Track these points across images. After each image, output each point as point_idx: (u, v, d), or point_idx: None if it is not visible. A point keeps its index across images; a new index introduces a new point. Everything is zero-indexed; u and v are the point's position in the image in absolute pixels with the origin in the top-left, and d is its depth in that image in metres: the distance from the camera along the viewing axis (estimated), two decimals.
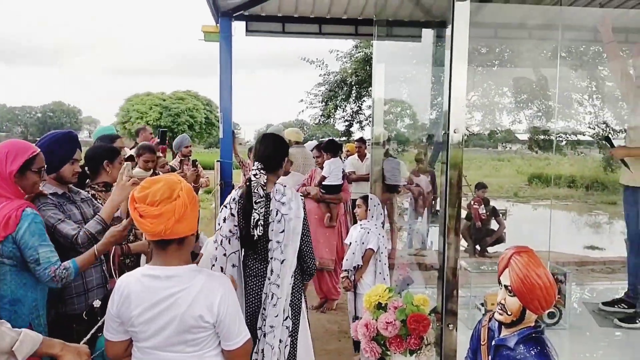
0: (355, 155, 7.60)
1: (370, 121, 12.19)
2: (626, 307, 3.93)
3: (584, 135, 13.04)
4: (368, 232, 3.71)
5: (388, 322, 2.82)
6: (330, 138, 6.84)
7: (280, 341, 2.49)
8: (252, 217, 2.46)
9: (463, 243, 7.99)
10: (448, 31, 2.65)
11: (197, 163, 5.89)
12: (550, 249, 8.81)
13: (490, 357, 2.09)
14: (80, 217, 2.57)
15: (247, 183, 2.57)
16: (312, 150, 6.44)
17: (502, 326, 2.06)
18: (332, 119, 14.33)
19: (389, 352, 2.91)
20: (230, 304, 1.69)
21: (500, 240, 8.29)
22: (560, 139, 14.01)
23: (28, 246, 2.14)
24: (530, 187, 24.41)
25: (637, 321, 3.69)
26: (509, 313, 1.98)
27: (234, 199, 2.62)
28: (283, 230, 2.49)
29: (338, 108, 14.14)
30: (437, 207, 7.74)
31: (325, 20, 6.61)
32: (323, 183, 5.38)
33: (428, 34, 5.90)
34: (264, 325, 2.47)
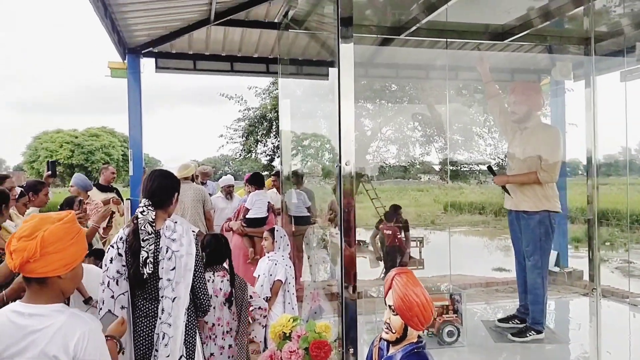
0: (274, 189, 7.70)
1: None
2: (518, 322, 4.27)
3: (482, 165, 14.08)
4: (275, 264, 3.77)
5: (291, 351, 2.87)
6: (255, 171, 6.84)
7: None
8: (141, 255, 2.39)
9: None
10: (335, 71, 2.83)
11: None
12: (460, 273, 9.33)
13: None
14: None
15: (135, 221, 2.49)
16: (225, 187, 6.42)
17: (390, 344, 2.19)
18: (253, 154, 14.41)
19: None
20: (90, 345, 1.66)
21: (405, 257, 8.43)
22: (466, 169, 15.04)
23: None
24: (445, 215, 25.69)
25: (528, 335, 4.01)
26: (394, 331, 2.11)
27: (121, 238, 2.52)
28: (174, 268, 2.42)
29: (259, 143, 14.28)
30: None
31: (237, 58, 6.78)
32: (247, 216, 5.36)
33: (333, 72, 6.22)
34: None
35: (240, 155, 14.57)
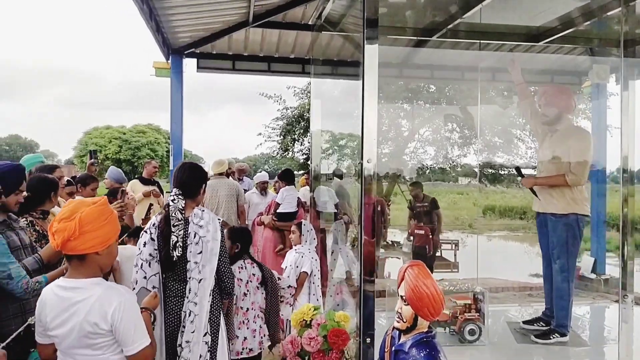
0: (307, 186, 7.87)
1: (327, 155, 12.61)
2: (543, 325, 4.25)
3: (524, 169, 13.73)
4: (302, 256, 3.93)
5: (311, 337, 3.03)
6: (287, 167, 7.04)
7: (201, 356, 2.61)
8: (171, 240, 2.59)
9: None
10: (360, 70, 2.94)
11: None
12: (493, 276, 9.21)
13: None
14: (19, 243, 2.70)
15: (166, 208, 2.69)
16: (260, 183, 6.64)
17: (401, 333, 2.29)
18: (290, 152, 14.66)
19: None
20: (126, 314, 1.86)
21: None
22: (504, 172, 14.76)
23: None
24: (484, 219, 25.22)
25: (552, 337, 3.99)
26: (404, 320, 2.21)
27: (153, 224, 2.73)
28: (201, 252, 2.61)
29: (296, 142, 14.51)
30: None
31: (274, 59, 7.00)
32: (277, 211, 5.56)
33: None
34: (182, 342, 2.58)
35: (277, 153, 14.85)
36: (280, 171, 6.21)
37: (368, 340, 2.96)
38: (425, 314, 2.19)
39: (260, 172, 7.13)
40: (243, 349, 3.20)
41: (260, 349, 3.28)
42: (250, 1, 5.33)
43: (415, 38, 5.75)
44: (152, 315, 2.19)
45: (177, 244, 2.58)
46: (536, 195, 4.15)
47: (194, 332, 2.56)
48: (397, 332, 2.32)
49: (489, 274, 9.44)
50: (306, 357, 3.07)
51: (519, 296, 7.44)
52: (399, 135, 15.26)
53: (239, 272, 3.27)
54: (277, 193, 6.02)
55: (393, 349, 2.31)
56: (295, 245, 4.07)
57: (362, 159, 2.96)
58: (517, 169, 4.35)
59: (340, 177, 7.37)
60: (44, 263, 2.57)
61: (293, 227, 4.14)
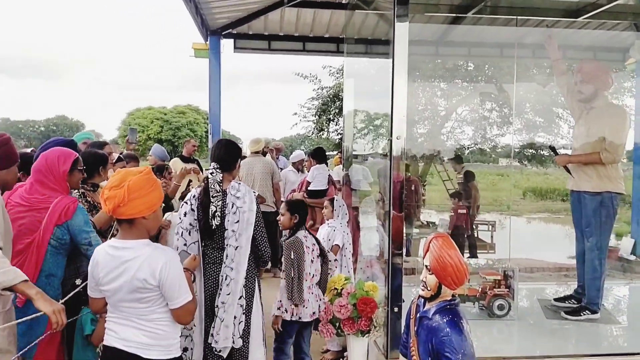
0: (340, 165, 8.00)
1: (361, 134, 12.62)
2: (575, 302, 4.26)
3: (565, 149, 13.33)
4: (334, 230, 4.07)
5: (341, 305, 3.18)
6: (318, 146, 7.19)
7: (235, 317, 2.82)
8: (210, 209, 2.78)
9: None
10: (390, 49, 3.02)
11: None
12: (530, 257, 9.13)
13: (415, 327, 2.44)
14: None
15: (205, 181, 2.91)
16: (297, 162, 6.81)
17: (426, 301, 2.41)
18: (325, 132, 14.75)
19: (342, 333, 3.26)
20: (171, 272, 2.04)
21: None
22: (545, 152, 14.38)
23: (82, 231, 2.61)
24: (524, 201, 24.71)
25: (582, 314, 4.00)
26: (429, 289, 2.32)
27: (193, 196, 2.95)
28: (238, 221, 2.81)
29: (331, 122, 14.57)
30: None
31: (309, 39, 7.08)
32: (308, 188, 5.72)
33: None
34: (219, 302, 2.79)
35: (313, 133, 14.97)
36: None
37: (396, 309, 3.11)
38: (449, 283, 2.29)
39: (297, 151, 7.31)
40: (313, 312, 3.35)
41: (319, 312, 3.39)
42: None
43: (452, 15, 5.71)
44: (192, 275, 2.39)
45: (216, 214, 2.78)
46: (570, 174, 4.13)
47: (229, 294, 2.78)
48: (422, 300, 2.43)
49: (525, 255, 9.39)
50: (337, 324, 3.24)
51: (555, 276, 7.40)
52: (436, 114, 15.07)
53: (305, 240, 3.39)
54: (308, 171, 6.16)
55: (418, 315, 2.43)
56: (328, 220, 4.21)
57: (391, 135, 3.06)
58: (552, 147, 4.33)
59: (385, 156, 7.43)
60: (97, 229, 2.82)
61: (326, 203, 4.29)
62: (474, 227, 10.12)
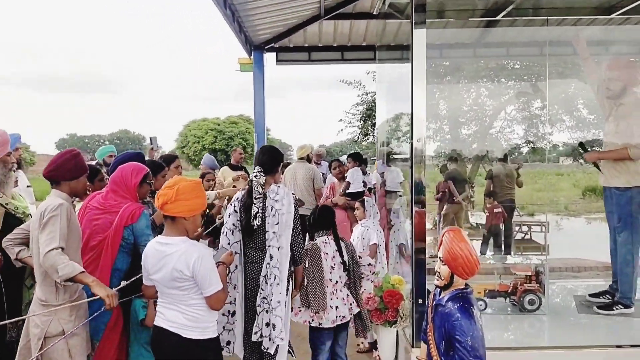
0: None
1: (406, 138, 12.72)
2: (609, 297, 4.27)
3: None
4: (367, 229, 4.31)
5: (369, 297, 3.44)
6: (356, 151, 7.42)
7: (280, 317, 2.95)
8: (252, 210, 2.99)
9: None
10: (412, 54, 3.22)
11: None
12: (581, 257, 8.92)
13: (432, 314, 2.66)
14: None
15: (249, 183, 3.13)
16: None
17: (441, 290, 2.63)
18: (370, 136, 14.95)
19: (371, 323, 3.51)
20: (203, 265, 2.34)
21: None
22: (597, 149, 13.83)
23: (144, 234, 2.99)
24: (584, 201, 23.73)
25: (614, 309, 4.03)
26: (442, 278, 2.54)
27: (237, 198, 3.17)
28: (277, 223, 2.98)
29: (375, 126, 14.77)
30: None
31: (347, 48, 7.38)
32: (347, 191, 5.96)
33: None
34: (269, 301, 2.96)
35: (358, 138, 15.20)
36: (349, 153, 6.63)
37: (420, 301, 3.32)
38: (460, 273, 2.48)
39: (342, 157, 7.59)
40: (337, 317, 3.33)
41: (351, 314, 3.41)
42: None
43: (484, 19, 5.83)
44: (227, 269, 2.71)
45: (257, 214, 3.01)
46: (599, 170, 4.18)
47: (281, 293, 2.99)
48: (438, 289, 2.65)
49: (577, 255, 9.20)
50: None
51: (601, 275, 7.23)
52: (483, 114, 14.89)
53: (324, 246, 3.39)
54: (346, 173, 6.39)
55: (434, 303, 2.65)
56: (360, 220, 4.46)
57: (412, 138, 3.28)
58: (582, 144, 4.39)
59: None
60: (157, 225, 3.24)
61: (357, 204, 4.53)
62: (529, 228, 10.09)
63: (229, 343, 3.17)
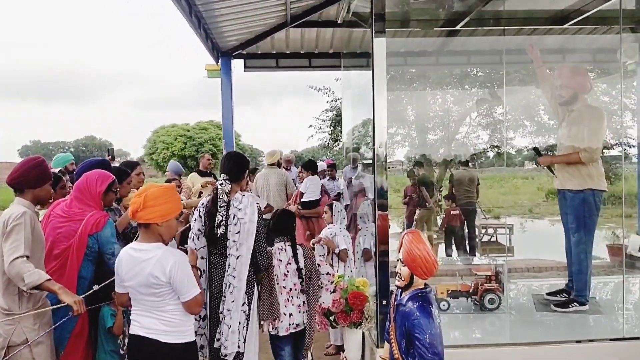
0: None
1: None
2: (566, 295, 4.46)
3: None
4: (334, 235, 4.38)
5: (335, 300, 3.51)
6: (310, 159, 7.48)
7: (240, 323, 3.00)
8: (216, 219, 3.01)
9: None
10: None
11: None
12: (542, 258, 9.22)
13: (394, 314, 2.74)
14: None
15: (215, 191, 3.13)
16: (321, 172, 7.12)
17: (402, 291, 2.71)
18: (340, 142, 15.09)
19: (337, 325, 3.58)
20: (179, 271, 2.35)
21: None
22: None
23: (109, 242, 2.98)
24: (547, 203, 24.47)
25: (570, 306, 4.21)
26: (402, 279, 2.63)
27: (202, 204, 3.19)
28: (239, 232, 2.99)
29: (342, 133, 14.94)
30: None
31: (314, 55, 7.47)
32: (302, 200, 6.02)
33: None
34: (224, 310, 3.01)
35: (329, 144, 15.33)
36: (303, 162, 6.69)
37: (384, 302, 3.41)
38: (420, 273, 2.58)
39: (321, 161, 7.63)
40: (290, 324, 3.29)
41: (305, 323, 3.36)
42: (286, 4, 5.82)
43: (444, 29, 6.02)
44: (199, 270, 2.72)
45: (221, 223, 3.03)
46: (553, 174, 4.38)
47: (233, 301, 3.01)
48: (399, 290, 2.74)
49: (539, 256, 9.52)
50: (332, 317, 3.56)
51: (562, 275, 7.52)
52: (450, 120, 15.26)
53: (279, 253, 3.33)
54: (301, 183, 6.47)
55: (395, 303, 2.74)
56: (328, 225, 4.54)
57: (374, 144, 3.38)
58: (536, 149, 4.59)
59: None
60: (119, 232, 3.22)
61: (325, 208, 4.61)
62: (494, 230, 10.40)
63: (202, 347, 3.18)
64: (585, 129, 4.14)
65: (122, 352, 2.96)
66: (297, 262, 3.35)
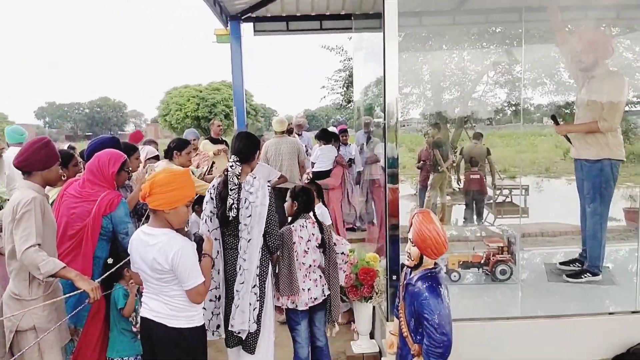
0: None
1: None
2: (579, 265, 4.45)
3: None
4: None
5: (345, 275, 3.53)
6: (324, 128, 7.33)
7: (250, 304, 2.99)
8: (228, 202, 2.97)
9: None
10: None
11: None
12: (559, 221, 9.14)
13: (403, 293, 2.75)
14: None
15: (225, 173, 3.06)
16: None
17: (411, 270, 2.71)
18: (352, 103, 14.87)
19: (347, 299, 3.62)
20: (182, 259, 2.33)
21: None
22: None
23: (123, 222, 3.04)
24: (564, 162, 24.11)
25: (583, 277, 4.20)
26: (412, 259, 2.62)
27: (213, 185, 3.14)
28: (250, 215, 2.98)
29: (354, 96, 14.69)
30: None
31: (325, 17, 7.21)
32: (313, 170, 5.94)
33: None
34: (234, 290, 3.02)
35: (341, 105, 15.11)
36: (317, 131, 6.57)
37: (394, 277, 3.42)
38: (429, 253, 2.57)
39: (332, 126, 7.47)
40: (309, 299, 3.31)
41: (324, 296, 3.36)
42: None
43: None
44: (212, 260, 2.69)
45: (233, 206, 3.00)
46: (570, 142, 4.26)
47: (243, 283, 3.02)
48: (409, 269, 2.74)
49: (557, 218, 9.39)
50: (343, 292, 3.59)
51: (576, 240, 7.45)
52: (467, 79, 14.86)
53: (300, 230, 3.31)
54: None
55: (405, 282, 2.74)
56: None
57: (384, 109, 3.28)
58: (553, 116, 4.43)
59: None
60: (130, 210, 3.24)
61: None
62: (510, 191, 10.28)
63: (218, 327, 3.19)
64: (605, 97, 3.99)
65: (135, 329, 3.04)
66: (321, 231, 3.34)
